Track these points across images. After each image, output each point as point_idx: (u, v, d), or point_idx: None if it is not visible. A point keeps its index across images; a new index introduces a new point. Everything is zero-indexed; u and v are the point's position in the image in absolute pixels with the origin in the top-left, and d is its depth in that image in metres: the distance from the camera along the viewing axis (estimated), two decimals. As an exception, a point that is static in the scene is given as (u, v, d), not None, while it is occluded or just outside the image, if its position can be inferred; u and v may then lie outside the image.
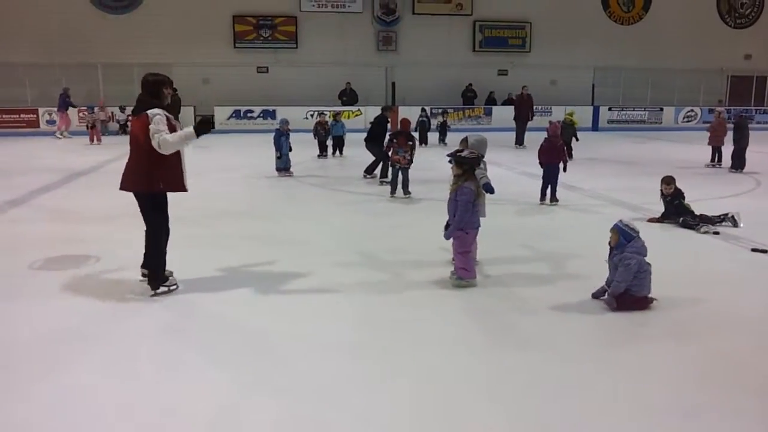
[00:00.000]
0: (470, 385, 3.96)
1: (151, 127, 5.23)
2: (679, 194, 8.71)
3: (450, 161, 5.98)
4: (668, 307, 5.29)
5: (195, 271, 6.34)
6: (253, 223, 8.83)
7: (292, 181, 12.66)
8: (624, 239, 5.33)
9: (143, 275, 5.80)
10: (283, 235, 8.13)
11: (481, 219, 6.15)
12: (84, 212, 9.40)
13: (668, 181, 8.81)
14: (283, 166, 13.16)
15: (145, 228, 5.65)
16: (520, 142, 20.15)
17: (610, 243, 5.45)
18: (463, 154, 5.97)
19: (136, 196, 5.56)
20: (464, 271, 5.89)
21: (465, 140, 6.48)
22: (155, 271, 5.62)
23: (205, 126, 5.47)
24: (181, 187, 5.61)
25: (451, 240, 5.91)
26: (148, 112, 5.32)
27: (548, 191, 10.06)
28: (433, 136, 20.65)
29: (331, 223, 8.93)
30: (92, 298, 5.53)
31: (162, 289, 5.61)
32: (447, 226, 5.98)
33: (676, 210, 8.61)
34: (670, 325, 5.00)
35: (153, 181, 5.39)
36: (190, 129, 5.37)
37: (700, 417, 3.62)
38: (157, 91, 5.50)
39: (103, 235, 7.93)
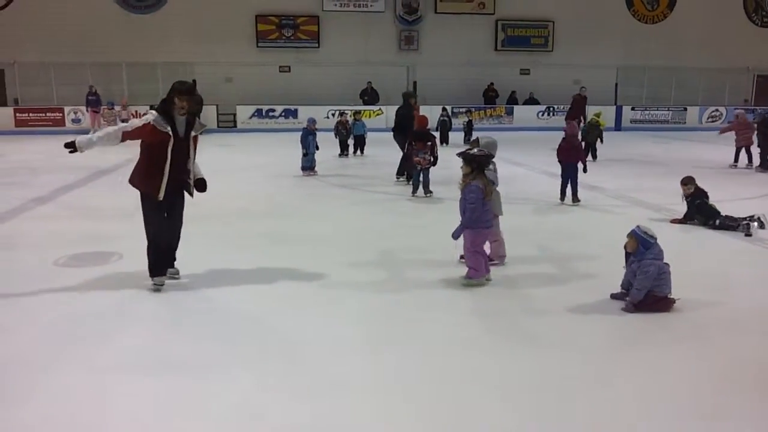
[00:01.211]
0: (484, 385, 3.97)
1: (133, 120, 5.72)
2: (700, 194, 8.61)
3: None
4: (689, 309, 5.24)
5: (215, 269, 6.41)
6: (273, 221, 8.89)
7: (313, 180, 12.72)
8: (643, 247, 5.25)
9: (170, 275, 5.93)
10: (303, 233, 8.18)
11: (499, 218, 6.16)
12: (108, 210, 9.52)
13: (686, 182, 8.71)
14: (309, 165, 13.21)
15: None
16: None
17: (626, 248, 5.40)
18: (472, 151, 5.98)
19: None
20: (474, 271, 5.89)
21: (476, 141, 6.49)
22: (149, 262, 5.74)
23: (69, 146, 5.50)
24: (154, 193, 5.58)
25: (464, 240, 5.90)
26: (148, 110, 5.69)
27: (569, 191, 10.01)
28: (456, 136, 20.55)
29: (351, 222, 8.97)
30: (114, 295, 5.61)
31: (150, 282, 5.72)
32: (455, 233, 5.98)
33: (698, 210, 8.52)
34: (690, 327, 4.96)
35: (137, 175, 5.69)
36: (84, 142, 5.47)
37: (720, 420, 3.59)
38: (168, 95, 5.62)
39: (126, 232, 8.00)
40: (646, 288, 5.15)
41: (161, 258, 5.75)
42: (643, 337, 4.82)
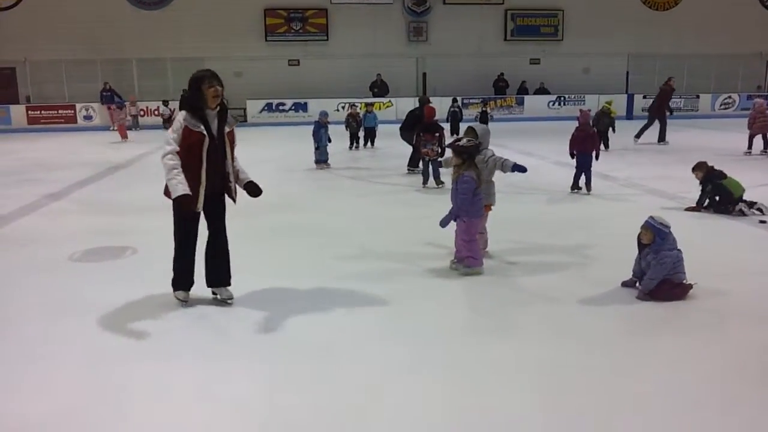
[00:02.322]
0: (503, 374, 3.96)
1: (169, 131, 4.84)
2: (713, 176, 8.47)
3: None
4: (704, 297, 5.19)
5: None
6: (285, 214, 8.90)
7: (324, 173, 12.73)
8: (659, 237, 5.18)
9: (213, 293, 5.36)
10: (315, 225, 8.19)
11: (493, 207, 6.22)
12: (121, 205, 9.59)
13: (694, 168, 8.65)
14: (323, 159, 13.22)
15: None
16: (662, 137, 17.46)
17: (641, 239, 5.31)
18: (461, 143, 5.97)
19: None
20: (472, 259, 5.89)
21: (472, 129, 6.45)
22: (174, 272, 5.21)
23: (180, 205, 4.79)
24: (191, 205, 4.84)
25: (455, 228, 5.91)
26: (177, 113, 4.97)
27: (581, 180, 9.97)
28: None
29: (363, 213, 8.98)
30: (128, 289, 5.64)
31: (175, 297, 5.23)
32: (443, 221, 5.98)
33: (714, 191, 8.39)
34: (705, 315, 4.92)
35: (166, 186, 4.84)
36: (177, 191, 4.68)
37: (738, 410, 3.56)
38: (191, 89, 4.86)
39: (139, 227, 8.08)
40: (659, 278, 5.12)
41: (188, 271, 5.18)
42: (657, 325, 4.79)
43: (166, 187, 4.80)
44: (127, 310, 5.16)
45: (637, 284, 5.32)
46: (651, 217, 5.34)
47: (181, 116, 4.77)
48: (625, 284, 5.46)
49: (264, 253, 6.81)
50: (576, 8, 28.25)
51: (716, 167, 8.62)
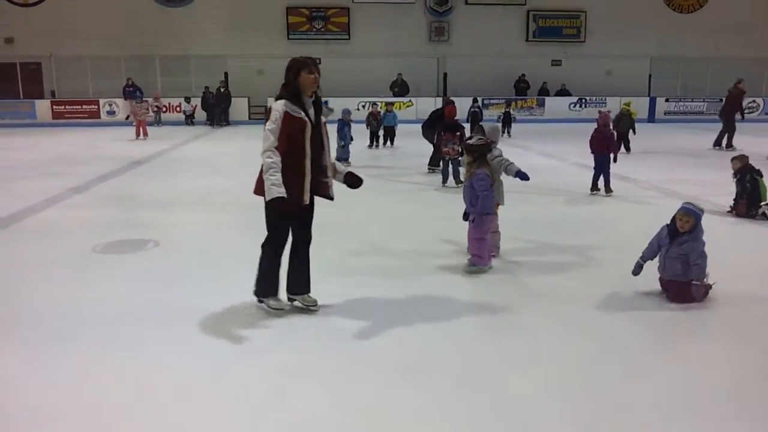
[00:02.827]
0: (518, 374, 3.98)
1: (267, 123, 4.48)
2: (751, 170, 8.40)
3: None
4: (721, 301, 5.13)
5: (246, 257, 6.50)
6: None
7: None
8: (699, 221, 5.13)
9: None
10: (332, 222, 8.21)
11: (501, 206, 6.26)
12: (143, 199, 9.70)
13: (734, 158, 8.67)
14: (344, 156, 13.28)
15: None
16: (730, 143, 16.74)
17: (680, 227, 5.13)
18: (471, 141, 6.01)
19: None
20: (478, 258, 5.92)
21: (481, 128, 6.48)
22: (257, 280, 4.88)
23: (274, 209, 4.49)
24: (295, 199, 4.53)
25: (470, 227, 5.95)
26: (272, 104, 4.61)
27: (601, 182, 9.93)
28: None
29: (382, 211, 9.00)
30: (150, 281, 5.73)
31: (262, 303, 4.95)
32: (465, 215, 6.03)
33: (751, 186, 8.28)
34: (727, 321, 4.85)
35: (262, 184, 4.49)
36: (272, 193, 4.35)
37: (762, 418, 3.54)
38: (288, 77, 4.58)
39: (161, 220, 8.19)
40: (705, 266, 5.05)
41: (277, 277, 4.88)
42: (678, 330, 4.72)
43: (259, 185, 4.52)
44: (149, 302, 5.23)
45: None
46: (688, 203, 5.25)
47: (279, 105, 4.47)
48: (636, 271, 5.35)
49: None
50: (599, 10, 28.07)
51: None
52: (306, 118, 4.51)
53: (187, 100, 24.47)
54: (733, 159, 8.70)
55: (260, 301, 4.96)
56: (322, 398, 3.63)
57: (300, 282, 4.98)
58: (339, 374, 3.94)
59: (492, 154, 6.31)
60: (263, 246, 4.81)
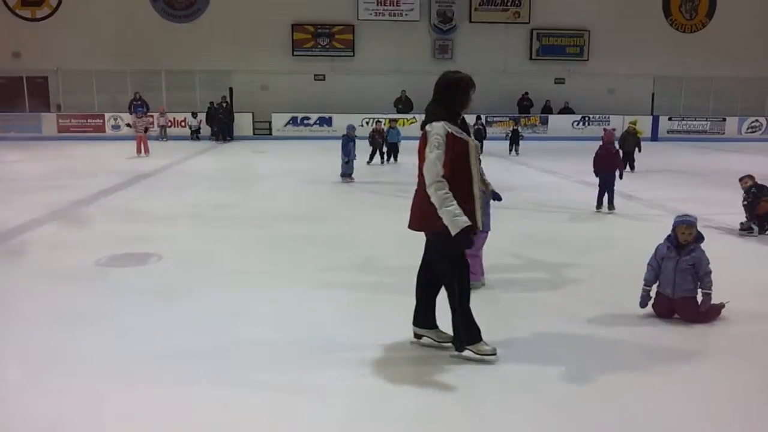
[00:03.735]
0: (520, 390, 3.96)
1: (426, 150, 4.08)
2: (761, 188, 8.47)
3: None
4: (730, 321, 5.12)
5: (248, 272, 6.51)
6: (308, 225, 8.96)
7: (348, 186, 12.81)
8: (699, 232, 5.14)
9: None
10: (338, 238, 8.24)
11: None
12: (147, 213, 9.72)
13: (742, 177, 8.68)
14: (348, 172, 13.32)
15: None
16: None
17: (685, 241, 5.10)
18: None
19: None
20: (471, 274, 5.88)
21: None
22: (456, 328, 4.31)
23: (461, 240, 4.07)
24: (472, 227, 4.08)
25: None
26: (428, 126, 4.18)
27: (605, 199, 9.93)
28: (493, 145, 20.25)
29: (382, 226, 8.98)
30: (152, 295, 5.72)
31: (468, 351, 4.29)
32: None
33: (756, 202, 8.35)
34: (732, 340, 4.82)
35: (431, 216, 4.08)
36: (460, 223, 3.96)
37: None
38: (450, 94, 4.23)
39: (164, 234, 8.19)
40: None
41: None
42: (684, 350, 4.66)
43: (420, 219, 4.21)
44: (153, 315, 5.23)
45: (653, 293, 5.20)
46: (685, 216, 5.25)
47: (439, 126, 4.07)
48: (644, 302, 5.26)
49: (282, 262, 6.86)
50: (602, 29, 28.21)
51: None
52: (468, 139, 4.17)
53: (194, 115, 24.65)
54: (742, 179, 8.66)
55: (463, 350, 4.30)
56: (330, 411, 3.62)
57: (433, 315, 4.56)
58: (336, 388, 3.93)
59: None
60: (452, 286, 4.27)
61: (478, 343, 4.27)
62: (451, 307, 4.29)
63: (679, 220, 5.22)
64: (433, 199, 4.01)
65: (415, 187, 4.28)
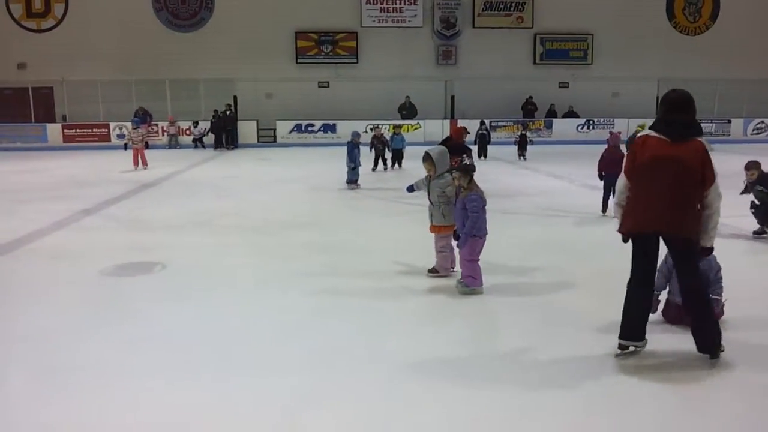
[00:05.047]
0: (521, 396, 3.93)
1: (710, 169, 4.35)
2: (765, 180, 8.13)
3: (451, 172, 6.11)
4: (736, 327, 5.06)
5: (252, 279, 6.50)
6: (313, 232, 8.95)
7: (353, 193, 12.79)
8: None
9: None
10: (342, 244, 8.22)
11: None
12: (152, 222, 9.72)
13: (749, 166, 8.24)
14: (353, 178, 13.30)
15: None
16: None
17: None
18: (467, 162, 6.03)
19: (667, 239, 4.38)
20: (471, 279, 5.89)
21: (427, 154, 6.49)
22: (714, 333, 4.37)
23: None
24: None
25: (462, 249, 5.89)
26: (702, 139, 4.41)
27: (611, 202, 9.87)
28: (498, 150, 20.21)
29: (385, 232, 8.98)
30: (158, 303, 5.71)
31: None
32: (456, 236, 6.00)
33: (761, 197, 8.08)
34: (740, 347, 4.75)
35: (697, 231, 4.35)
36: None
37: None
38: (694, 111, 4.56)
39: (169, 243, 8.19)
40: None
41: None
42: (687, 355, 4.54)
43: (683, 223, 4.30)
44: (156, 324, 5.21)
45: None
46: None
47: (706, 143, 4.41)
48: (654, 308, 5.13)
49: (289, 268, 6.84)
50: (606, 33, 28.19)
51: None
52: None
53: (195, 124, 24.73)
54: (750, 169, 8.22)
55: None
56: (332, 420, 3.60)
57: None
58: (335, 394, 3.90)
59: (445, 179, 6.31)
60: (708, 296, 4.49)
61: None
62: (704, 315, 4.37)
63: None
64: (716, 218, 4.37)
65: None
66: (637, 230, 4.38)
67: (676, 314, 5.06)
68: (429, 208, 6.55)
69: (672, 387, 4.03)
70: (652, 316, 5.13)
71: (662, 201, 4.26)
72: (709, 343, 4.32)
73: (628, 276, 4.42)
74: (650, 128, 4.52)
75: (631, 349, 4.48)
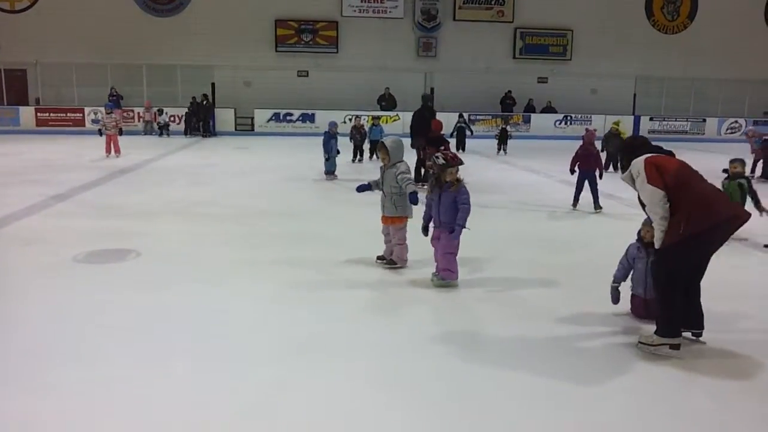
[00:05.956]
0: (499, 390, 3.97)
1: None
2: (745, 178, 8.22)
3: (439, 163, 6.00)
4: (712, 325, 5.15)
5: (229, 267, 6.47)
6: (288, 221, 8.93)
7: (330, 184, 12.75)
8: None
9: None
10: (316, 233, 8.21)
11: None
12: (126, 209, 9.61)
13: (735, 161, 8.27)
14: (331, 169, 13.25)
15: None
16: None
17: (644, 239, 5.13)
18: (441, 162, 5.96)
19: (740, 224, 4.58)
20: (449, 272, 5.91)
21: (383, 144, 6.51)
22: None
23: None
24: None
25: (444, 242, 5.88)
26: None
27: (589, 198, 9.97)
28: (478, 143, 20.38)
29: (363, 223, 8.93)
30: (131, 291, 5.67)
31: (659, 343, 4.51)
32: (425, 228, 6.02)
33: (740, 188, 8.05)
34: (710, 342, 4.83)
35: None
36: None
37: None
38: None
39: (143, 230, 8.11)
40: None
41: None
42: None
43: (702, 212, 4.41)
44: (131, 312, 5.17)
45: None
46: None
47: None
48: (615, 298, 5.24)
49: (262, 258, 6.82)
50: (585, 29, 28.39)
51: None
52: None
53: (160, 111, 23.90)
54: (734, 162, 8.28)
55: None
56: (311, 410, 3.60)
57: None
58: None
59: (398, 168, 6.33)
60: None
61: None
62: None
63: (645, 220, 5.16)
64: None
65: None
66: (719, 220, 4.42)
67: (642, 309, 5.11)
68: (381, 199, 6.53)
69: (644, 382, 4.09)
70: (621, 309, 5.23)
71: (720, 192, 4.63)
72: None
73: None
74: (641, 156, 4.92)
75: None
